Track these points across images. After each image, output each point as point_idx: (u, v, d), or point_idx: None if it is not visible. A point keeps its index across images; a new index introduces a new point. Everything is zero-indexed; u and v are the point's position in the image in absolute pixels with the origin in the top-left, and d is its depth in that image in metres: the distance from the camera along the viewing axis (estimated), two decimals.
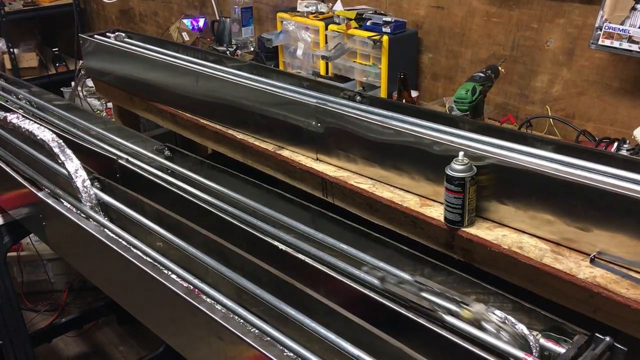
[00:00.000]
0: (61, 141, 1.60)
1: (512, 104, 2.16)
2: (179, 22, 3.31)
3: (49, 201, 1.65)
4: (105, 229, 1.51)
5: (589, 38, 1.81)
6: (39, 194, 1.68)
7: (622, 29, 1.69)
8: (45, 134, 1.59)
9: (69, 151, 1.58)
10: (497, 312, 1.12)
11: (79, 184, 1.54)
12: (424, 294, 1.19)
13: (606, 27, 1.72)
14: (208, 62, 2.25)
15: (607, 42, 1.71)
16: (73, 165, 1.55)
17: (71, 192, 1.67)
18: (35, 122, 1.71)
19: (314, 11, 2.56)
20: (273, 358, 1.06)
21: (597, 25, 1.75)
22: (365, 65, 2.35)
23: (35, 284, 3.32)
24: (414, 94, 2.21)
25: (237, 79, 2.00)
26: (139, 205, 1.57)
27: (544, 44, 2.03)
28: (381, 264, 1.34)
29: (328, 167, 1.75)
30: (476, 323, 1.12)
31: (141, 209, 1.56)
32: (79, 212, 1.60)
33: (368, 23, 2.34)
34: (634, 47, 1.68)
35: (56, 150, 1.56)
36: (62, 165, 1.57)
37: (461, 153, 1.38)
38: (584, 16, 1.89)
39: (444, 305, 1.17)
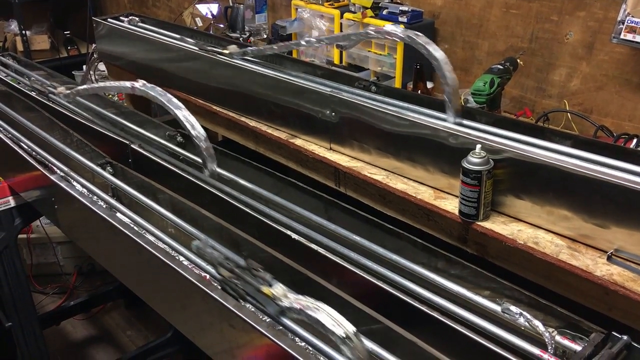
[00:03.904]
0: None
1: (529, 97, 2.14)
2: (193, 8, 3.29)
3: (62, 184, 1.64)
4: (118, 213, 1.51)
5: (610, 32, 1.78)
6: (52, 177, 1.68)
7: None
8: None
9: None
10: (512, 307, 1.11)
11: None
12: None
13: (629, 21, 1.69)
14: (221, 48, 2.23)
15: (630, 37, 1.68)
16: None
17: (86, 176, 1.66)
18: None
19: None
20: (285, 347, 1.06)
21: (619, 19, 1.73)
22: (380, 55, 2.33)
23: (45, 266, 3.34)
24: (429, 85, 2.19)
25: (251, 66, 1.98)
26: (151, 190, 1.56)
27: (564, 37, 2.00)
28: (394, 257, 1.33)
29: (341, 157, 1.74)
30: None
31: (153, 195, 1.55)
32: (91, 195, 1.60)
33: (384, 12, 2.31)
34: None
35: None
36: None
37: (478, 146, 1.36)
38: (606, 9, 1.86)
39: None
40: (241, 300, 1.15)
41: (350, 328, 0.95)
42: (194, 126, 1.48)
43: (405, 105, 1.68)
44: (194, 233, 1.40)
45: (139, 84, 1.54)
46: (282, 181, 1.64)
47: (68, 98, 2.02)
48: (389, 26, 1.61)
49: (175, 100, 1.51)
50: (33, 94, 2.16)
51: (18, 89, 2.31)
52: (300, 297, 1.04)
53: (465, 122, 1.54)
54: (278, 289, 1.08)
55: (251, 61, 2.06)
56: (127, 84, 1.58)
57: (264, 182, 1.65)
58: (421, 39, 1.54)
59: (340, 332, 0.94)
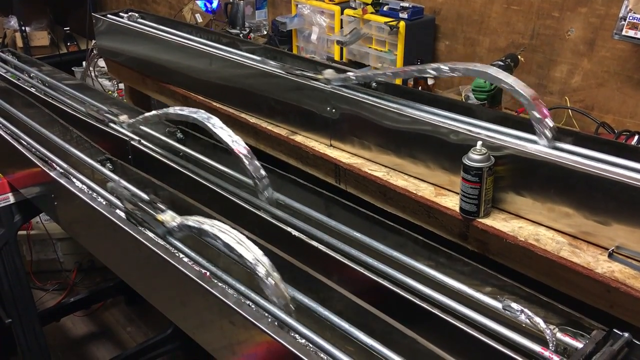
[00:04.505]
0: None
1: None
2: (192, 4, 3.28)
3: (61, 181, 1.63)
4: (118, 210, 1.50)
5: (612, 28, 1.77)
6: (51, 173, 1.67)
7: None
8: None
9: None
10: (513, 304, 1.11)
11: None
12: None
13: (630, 18, 1.68)
14: (221, 44, 2.22)
15: (631, 33, 1.68)
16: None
17: (85, 173, 1.66)
18: None
19: None
20: (285, 344, 1.05)
21: (621, 15, 1.72)
22: (381, 51, 2.33)
23: (45, 263, 3.34)
24: (430, 81, 2.18)
25: (251, 62, 1.98)
26: (151, 187, 1.56)
27: (565, 33, 1.99)
28: (395, 253, 1.33)
29: (342, 154, 1.73)
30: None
31: (153, 191, 1.55)
32: (90, 192, 1.59)
33: (385, 8, 2.31)
34: None
35: None
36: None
37: (479, 143, 1.36)
38: (607, 6, 1.86)
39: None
40: (140, 226, 1.38)
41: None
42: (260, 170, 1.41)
43: (406, 101, 1.65)
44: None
45: (219, 126, 1.42)
46: (283, 178, 1.64)
47: (133, 127, 1.80)
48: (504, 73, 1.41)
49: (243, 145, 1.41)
50: (90, 120, 1.89)
51: (18, 85, 2.31)
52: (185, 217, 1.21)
53: (561, 144, 1.37)
54: (167, 215, 1.30)
55: (252, 58, 2.05)
56: (204, 115, 1.44)
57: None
58: (501, 74, 1.41)
59: (215, 230, 1.10)
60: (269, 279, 1.05)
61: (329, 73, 1.74)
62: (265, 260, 1.07)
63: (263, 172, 1.40)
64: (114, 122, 1.83)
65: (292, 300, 1.10)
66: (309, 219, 1.48)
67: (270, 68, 1.88)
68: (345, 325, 1.10)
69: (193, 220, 1.20)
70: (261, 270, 1.05)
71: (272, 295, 1.06)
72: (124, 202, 1.42)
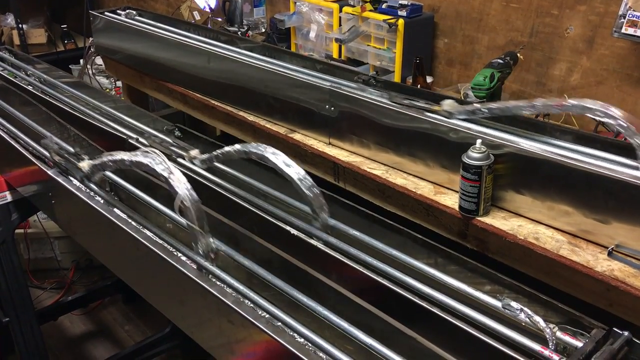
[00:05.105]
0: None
1: (529, 92, 2.13)
2: (190, 1, 3.27)
3: (59, 179, 1.63)
4: (115, 209, 1.50)
5: (611, 26, 1.77)
6: (49, 172, 1.67)
7: None
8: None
9: None
10: (513, 303, 1.10)
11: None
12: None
13: (630, 15, 1.68)
14: (219, 42, 2.21)
15: (631, 31, 1.68)
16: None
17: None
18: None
19: None
20: (284, 343, 1.05)
21: (620, 13, 1.72)
22: (380, 49, 2.32)
23: (42, 261, 3.33)
24: (428, 79, 2.18)
25: (249, 60, 1.97)
26: (149, 185, 1.55)
27: (564, 31, 1.98)
28: (394, 252, 1.33)
29: (340, 152, 1.73)
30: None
31: (151, 190, 1.54)
32: (88, 191, 1.59)
33: (383, 6, 2.30)
34: None
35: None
36: None
37: (479, 141, 1.35)
38: (607, 3, 1.85)
39: None
40: (66, 175, 1.62)
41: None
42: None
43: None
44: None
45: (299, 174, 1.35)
46: (281, 176, 1.63)
47: (207, 164, 1.62)
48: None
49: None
50: (90, 120, 1.81)
51: (15, 83, 2.30)
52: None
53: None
54: (85, 163, 1.54)
55: (249, 55, 2.04)
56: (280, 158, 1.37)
57: (262, 177, 1.64)
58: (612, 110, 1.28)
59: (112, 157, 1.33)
60: (171, 175, 1.19)
61: (449, 105, 1.48)
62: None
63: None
64: (183, 158, 1.68)
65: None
66: (308, 217, 1.47)
67: (372, 98, 1.62)
68: (344, 324, 1.09)
69: (99, 159, 1.43)
70: (161, 169, 1.20)
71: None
72: (52, 154, 1.63)
